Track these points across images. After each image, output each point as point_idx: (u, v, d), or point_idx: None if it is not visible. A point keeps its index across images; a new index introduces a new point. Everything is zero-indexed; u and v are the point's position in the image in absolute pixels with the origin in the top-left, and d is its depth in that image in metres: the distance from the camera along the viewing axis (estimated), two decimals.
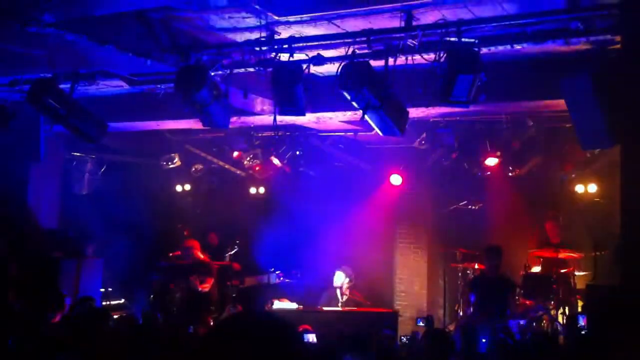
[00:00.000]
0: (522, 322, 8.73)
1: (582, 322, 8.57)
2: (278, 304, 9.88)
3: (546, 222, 10.32)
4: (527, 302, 9.56)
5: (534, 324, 9.25)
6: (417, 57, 6.18)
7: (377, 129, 6.77)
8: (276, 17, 6.29)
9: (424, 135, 10.41)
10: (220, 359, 2.21)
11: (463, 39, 5.93)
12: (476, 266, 10.23)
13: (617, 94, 5.02)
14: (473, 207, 11.42)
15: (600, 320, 4.64)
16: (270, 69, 6.64)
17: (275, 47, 6.62)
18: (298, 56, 6.63)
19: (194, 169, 12.47)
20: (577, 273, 9.86)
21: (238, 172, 12.53)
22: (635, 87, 4.72)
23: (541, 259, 10.22)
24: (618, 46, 5.43)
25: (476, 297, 9.06)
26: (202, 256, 10.49)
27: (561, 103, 6.61)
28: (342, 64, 6.25)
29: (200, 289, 10.06)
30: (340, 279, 10.11)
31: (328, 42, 6.57)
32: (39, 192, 10.15)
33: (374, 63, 6.33)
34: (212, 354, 2.24)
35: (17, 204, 9.92)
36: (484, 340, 7.08)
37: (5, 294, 8.53)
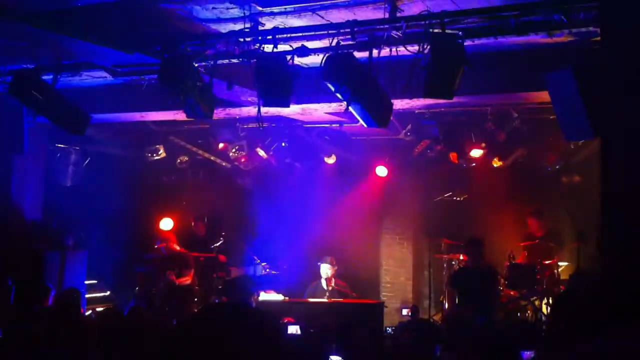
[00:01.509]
0: (505, 313, 8.80)
1: None
2: (264, 296, 9.88)
3: (528, 218, 10.37)
4: (512, 293, 9.63)
5: (518, 314, 9.33)
6: (402, 48, 6.20)
7: (361, 121, 6.78)
8: (260, 8, 6.28)
9: (409, 126, 10.43)
10: (200, 346, 2.22)
11: (447, 31, 5.94)
12: (461, 257, 10.27)
13: (598, 85, 5.06)
14: (458, 199, 11.47)
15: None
16: (254, 60, 6.62)
17: (259, 38, 6.61)
18: (282, 47, 6.62)
19: (179, 161, 12.39)
20: (560, 263, 9.94)
21: (224, 163, 12.49)
22: (613, 78, 4.76)
23: (525, 250, 10.27)
24: (599, 38, 5.46)
25: (460, 290, 9.11)
26: (178, 248, 10.43)
27: (545, 95, 6.65)
28: (326, 55, 6.25)
29: (177, 282, 10.03)
30: (325, 270, 10.15)
31: (312, 33, 6.57)
32: (22, 184, 10.07)
33: (358, 54, 6.34)
34: (192, 341, 2.25)
35: (0, 196, 9.85)
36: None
37: None
